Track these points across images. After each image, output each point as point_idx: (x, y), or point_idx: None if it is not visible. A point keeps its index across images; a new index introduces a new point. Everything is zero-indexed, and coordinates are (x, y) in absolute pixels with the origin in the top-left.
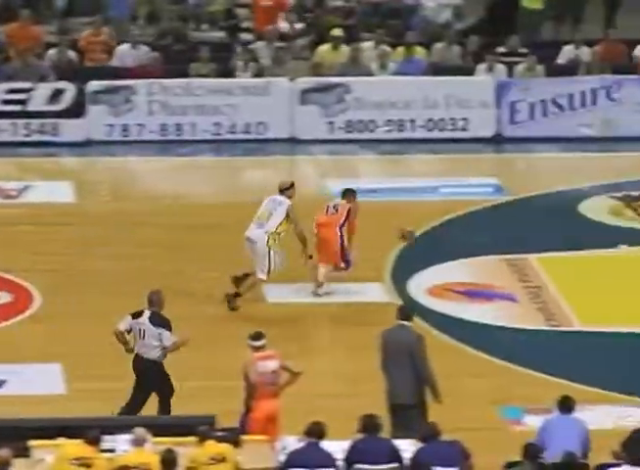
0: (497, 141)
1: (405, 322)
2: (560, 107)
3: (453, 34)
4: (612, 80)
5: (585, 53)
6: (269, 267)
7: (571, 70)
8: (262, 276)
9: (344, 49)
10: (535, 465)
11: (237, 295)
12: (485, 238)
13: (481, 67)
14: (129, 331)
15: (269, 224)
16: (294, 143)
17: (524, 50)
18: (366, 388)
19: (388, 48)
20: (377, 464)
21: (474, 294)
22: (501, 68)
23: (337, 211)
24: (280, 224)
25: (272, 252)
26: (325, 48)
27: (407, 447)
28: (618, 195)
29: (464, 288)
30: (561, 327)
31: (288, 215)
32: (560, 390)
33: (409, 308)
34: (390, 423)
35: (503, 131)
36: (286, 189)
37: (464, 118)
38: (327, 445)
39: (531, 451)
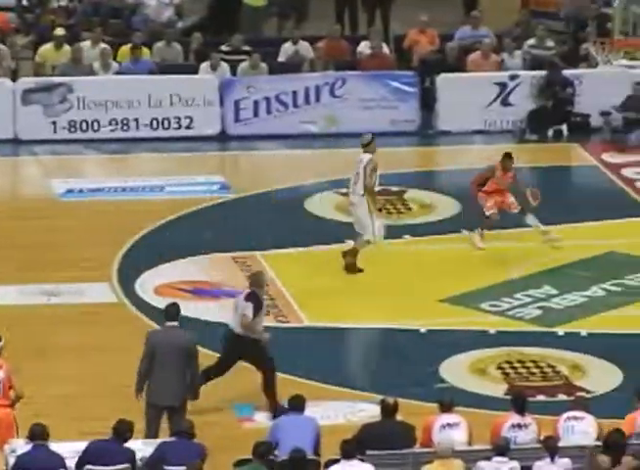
0: (222, 139)
1: (175, 323)
2: (284, 104)
3: (175, 33)
4: (335, 77)
5: (308, 50)
6: (373, 228)
7: (295, 67)
8: (369, 237)
9: (67, 49)
10: (264, 463)
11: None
12: (213, 236)
13: (205, 65)
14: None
15: (359, 186)
16: (16, 144)
17: (247, 48)
18: (95, 389)
19: (108, 47)
20: (109, 465)
21: (201, 292)
22: (225, 66)
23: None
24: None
25: (372, 213)
26: (47, 48)
27: (141, 447)
28: (344, 191)
29: (191, 286)
30: (290, 324)
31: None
32: (291, 386)
33: (177, 308)
34: (152, 423)
35: (228, 129)
36: (367, 144)
37: (188, 117)
38: (57, 446)
39: (260, 450)
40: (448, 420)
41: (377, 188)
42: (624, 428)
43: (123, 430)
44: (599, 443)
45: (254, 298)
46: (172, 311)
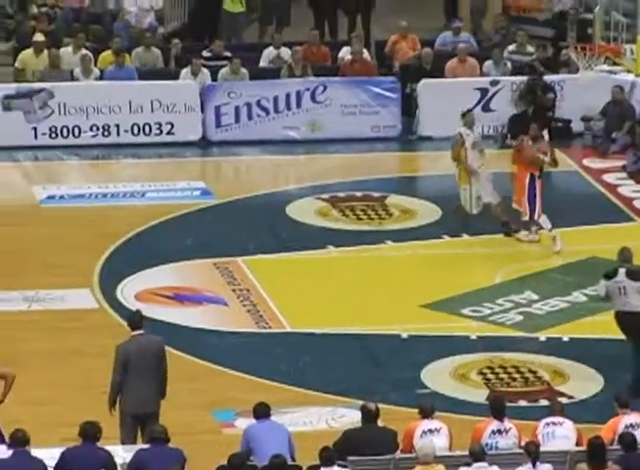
0: (203, 145)
1: (141, 330)
2: (265, 110)
3: (154, 38)
4: (316, 82)
5: (288, 55)
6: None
7: (275, 72)
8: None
9: (46, 54)
10: None
11: (506, 224)
12: (194, 242)
13: (185, 71)
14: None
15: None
16: None
17: (227, 54)
18: (77, 395)
19: (89, 53)
20: None
21: (183, 298)
22: (206, 72)
23: None
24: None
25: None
26: (27, 54)
27: (122, 454)
28: (325, 196)
29: (173, 292)
30: (271, 329)
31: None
32: (272, 392)
33: (140, 315)
34: (131, 432)
35: (209, 135)
36: (462, 116)
37: (169, 123)
38: (37, 453)
39: (234, 462)
40: (430, 426)
41: (471, 163)
42: (605, 433)
43: (93, 431)
44: (580, 448)
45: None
46: (137, 319)
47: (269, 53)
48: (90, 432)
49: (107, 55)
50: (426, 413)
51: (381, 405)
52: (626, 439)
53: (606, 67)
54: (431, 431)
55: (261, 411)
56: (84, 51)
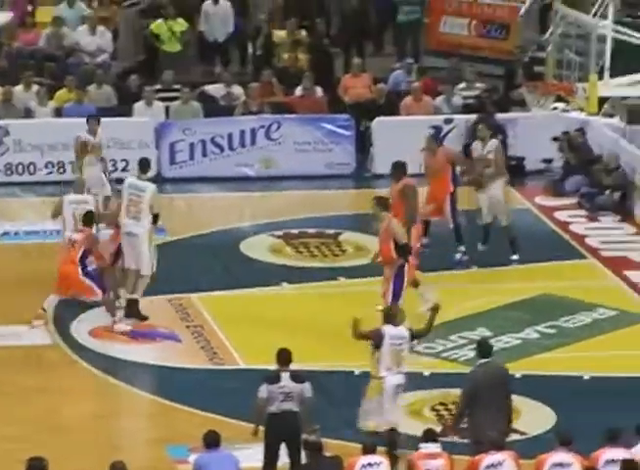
0: (158, 182)
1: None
2: (219, 147)
3: (109, 76)
4: (270, 120)
5: (239, 92)
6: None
7: (230, 109)
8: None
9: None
10: None
11: None
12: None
13: (140, 104)
14: None
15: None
16: None
17: (177, 86)
18: (36, 430)
19: (43, 88)
20: None
21: (137, 334)
22: (159, 104)
23: None
24: None
25: None
26: None
27: None
28: (279, 233)
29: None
30: (225, 366)
31: None
32: (226, 428)
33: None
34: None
35: (163, 172)
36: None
37: (124, 160)
38: None
39: None
40: (370, 460)
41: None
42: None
43: (41, 466)
44: None
45: None
46: (488, 347)
47: (219, 89)
48: (38, 467)
49: (62, 93)
50: (368, 450)
51: (334, 442)
52: None
53: (558, 105)
54: (370, 465)
55: (212, 440)
56: (37, 87)
